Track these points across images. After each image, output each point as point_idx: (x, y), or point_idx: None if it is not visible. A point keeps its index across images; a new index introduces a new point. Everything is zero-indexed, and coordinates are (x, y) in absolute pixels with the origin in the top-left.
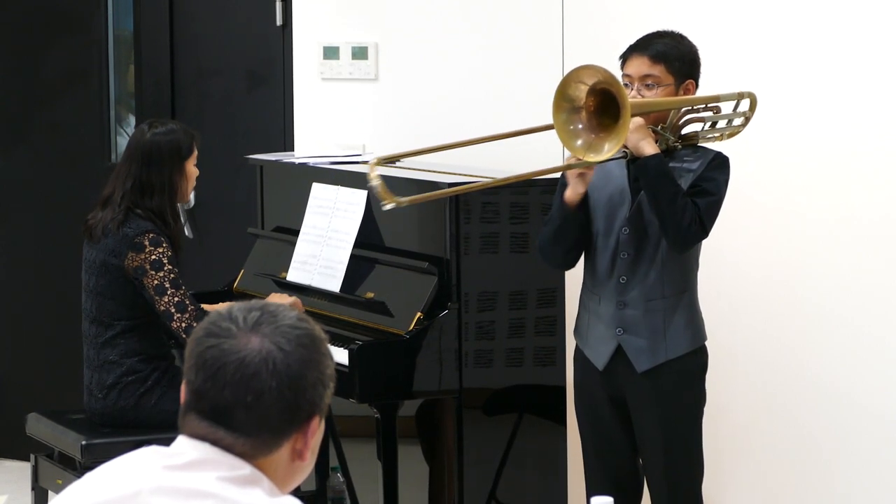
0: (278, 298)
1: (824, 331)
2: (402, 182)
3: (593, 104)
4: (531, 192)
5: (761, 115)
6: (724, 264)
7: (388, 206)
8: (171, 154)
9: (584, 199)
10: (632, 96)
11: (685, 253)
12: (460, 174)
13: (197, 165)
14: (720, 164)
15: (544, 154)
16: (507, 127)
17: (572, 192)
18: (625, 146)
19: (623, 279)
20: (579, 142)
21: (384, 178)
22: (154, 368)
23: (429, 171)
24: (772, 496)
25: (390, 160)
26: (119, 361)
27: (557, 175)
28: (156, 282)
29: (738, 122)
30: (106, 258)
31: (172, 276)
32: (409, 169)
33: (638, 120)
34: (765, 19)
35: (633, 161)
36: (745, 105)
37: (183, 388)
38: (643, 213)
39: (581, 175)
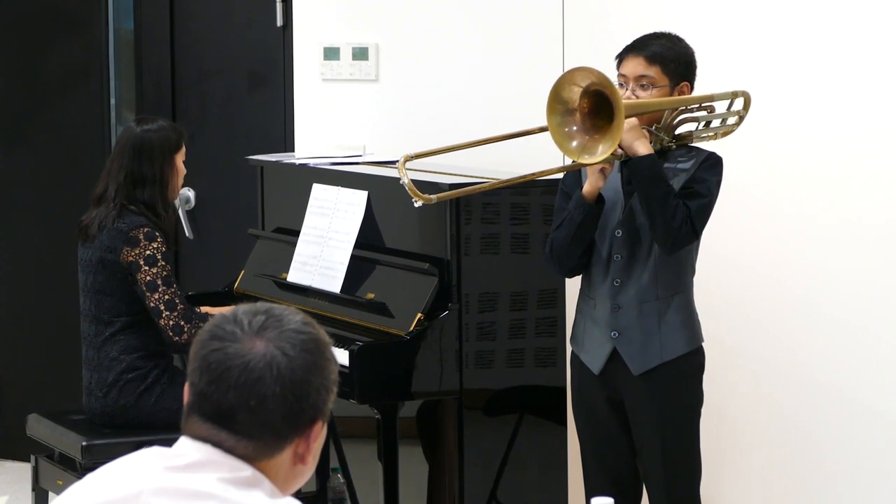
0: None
1: (825, 331)
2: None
3: (587, 106)
4: (532, 192)
5: (763, 115)
6: (725, 264)
7: (419, 204)
8: (161, 147)
9: (600, 193)
10: (626, 97)
11: (674, 255)
12: (462, 175)
13: (197, 166)
14: (713, 165)
15: (547, 153)
16: (507, 128)
17: (591, 187)
18: (620, 146)
19: (617, 282)
20: (574, 143)
21: (382, 178)
22: (154, 366)
23: (431, 171)
24: (771, 497)
25: (418, 157)
26: (119, 358)
27: (558, 175)
28: (148, 278)
29: (732, 121)
30: (102, 255)
31: (165, 273)
32: (411, 170)
33: (632, 120)
34: (766, 20)
35: (627, 162)
36: (739, 104)
37: (186, 389)
38: (636, 215)
39: (601, 170)
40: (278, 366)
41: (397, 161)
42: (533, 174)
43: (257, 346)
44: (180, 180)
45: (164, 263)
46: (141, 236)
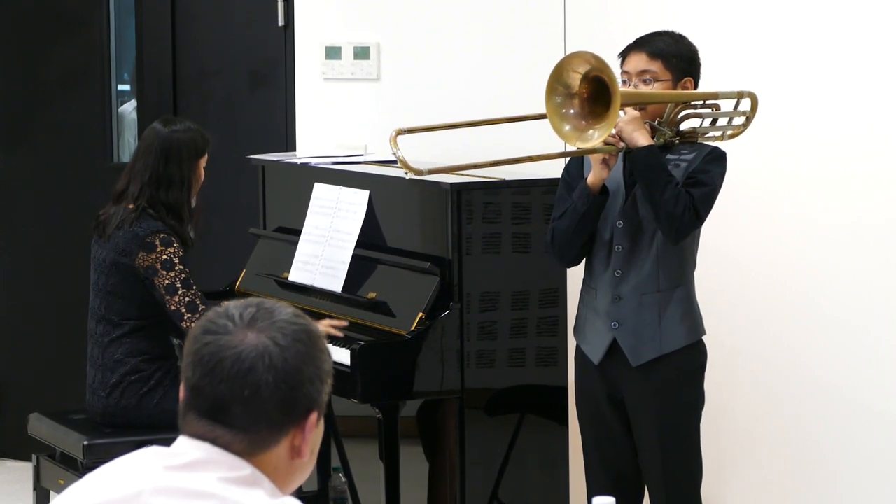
0: None
1: (826, 331)
2: (406, 181)
3: (587, 92)
4: (533, 192)
5: (764, 115)
6: (725, 264)
7: (410, 176)
8: (189, 150)
9: (604, 184)
10: None
11: (680, 243)
12: (464, 173)
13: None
14: (716, 158)
15: (550, 147)
16: (507, 128)
17: (595, 177)
18: (621, 138)
19: (618, 272)
20: (568, 127)
21: (384, 178)
22: (157, 368)
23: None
24: (772, 496)
25: (411, 132)
26: (124, 360)
27: (559, 175)
28: (167, 281)
29: (738, 121)
30: (116, 257)
31: (184, 275)
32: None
33: (633, 112)
34: (766, 19)
35: (629, 153)
36: (745, 105)
37: (181, 387)
38: (638, 206)
39: (604, 160)
40: (270, 355)
41: (397, 161)
42: (531, 157)
43: (249, 337)
44: (199, 186)
45: (181, 267)
46: (157, 242)
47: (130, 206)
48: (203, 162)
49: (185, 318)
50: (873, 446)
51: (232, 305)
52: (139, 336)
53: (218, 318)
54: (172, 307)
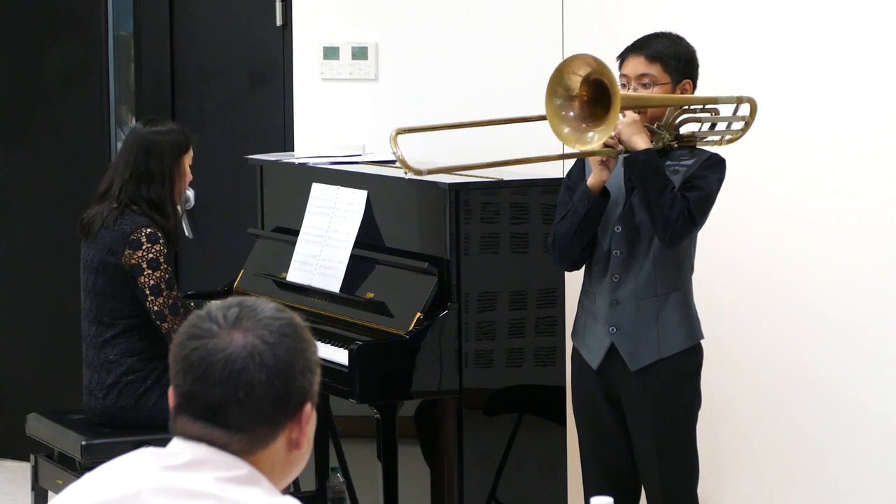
0: None
1: (824, 331)
2: (404, 181)
3: (587, 94)
4: (531, 192)
5: (764, 115)
6: (725, 264)
7: (409, 176)
8: (170, 147)
9: (605, 186)
10: None
11: (676, 247)
12: (462, 173)
13: (196, 166)
14: (714, 164)
15: (550, 151)
16: (506, 127)
17: (595, 179)
18: (620, 141)
19: (616, 277)
20: (567, 129)
21: (382, 178)
22: (154, 368)
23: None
24: (771, 497)
25: (410, 131)
26: (119, 361)
27: (558, 175)
28: (151, 282)
29: (737, 126)
30: (103, 256)
31: (168, 276)
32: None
33: (633, 115)
34: (766, 19)
35: (628, 157)
36: (744, 110)
37: (171, 393)
38: (636, 211)
39: (604, 162)
40: (260, 354)
41: (396, 161)
42: (530, 158)
43: (236, 337)
44: (185, 184)
45: (166, 266)
46: (143, 238)
47: (114, 206)
48: (187, 160)
49: (168, 319)
50: (873, 446)
51: (213, 308)
52: (132, 336)
53: (201, 322)
54: (156, 308)
